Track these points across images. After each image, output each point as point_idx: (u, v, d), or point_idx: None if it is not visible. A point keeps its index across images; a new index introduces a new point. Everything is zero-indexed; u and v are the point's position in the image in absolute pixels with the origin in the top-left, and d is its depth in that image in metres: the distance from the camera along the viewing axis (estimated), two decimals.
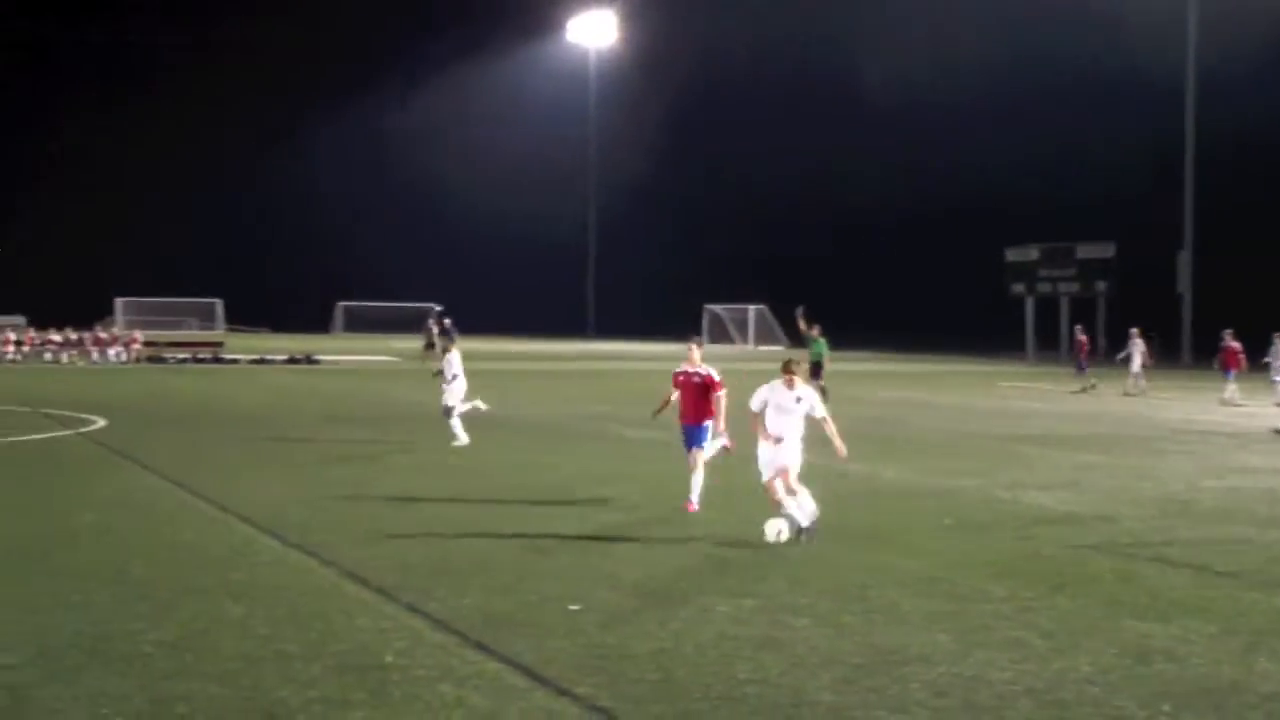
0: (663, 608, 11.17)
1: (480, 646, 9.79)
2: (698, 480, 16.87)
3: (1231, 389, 39.41)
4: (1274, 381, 37.73)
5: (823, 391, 33.99)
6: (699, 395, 17.24)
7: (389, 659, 9.39)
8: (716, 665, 9.36)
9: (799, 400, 14.89)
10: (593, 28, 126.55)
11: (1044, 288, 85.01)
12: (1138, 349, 45.31)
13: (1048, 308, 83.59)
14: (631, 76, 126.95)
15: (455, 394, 25.58)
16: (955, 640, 10.20)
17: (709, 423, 17.17)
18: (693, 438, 17.13)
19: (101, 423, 28.22)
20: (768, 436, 14.69)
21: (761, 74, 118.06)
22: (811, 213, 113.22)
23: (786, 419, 14.78)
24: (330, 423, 29.70)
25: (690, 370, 17.48)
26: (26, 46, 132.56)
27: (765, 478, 14.69)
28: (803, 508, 14.42)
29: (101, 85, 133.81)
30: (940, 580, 12.53)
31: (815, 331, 36.31)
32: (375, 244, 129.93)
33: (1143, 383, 44.53)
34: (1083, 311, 76.93)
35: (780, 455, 14.60)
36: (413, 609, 10.98)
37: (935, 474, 21.24)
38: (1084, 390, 44.54)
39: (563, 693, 8.65)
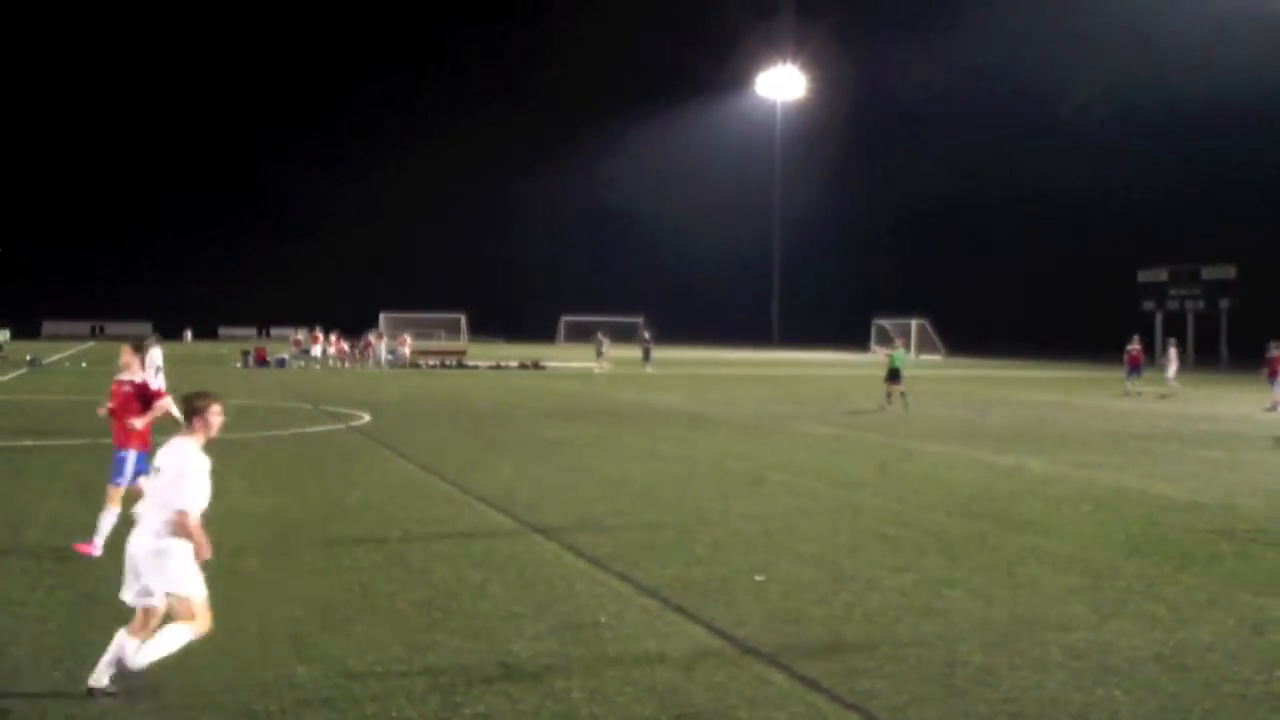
0: (836, 579, 11.12)
1: (680, 610, 9.85)
2: (108, 520, 11.46)
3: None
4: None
5: (901, 395, 33.82)
6: (127, 411, 11.82)
7: (602, 619, 9.50)
8: (881, 629, 9.30)
9: (158, 470, 7.77)
10: (778, 82, 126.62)
11: (1172, 305, 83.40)
12: (1172, 360, 45.71)
13: (1175, 322, 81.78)
14: (812, 123, 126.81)
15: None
16: (1091, 611, 9.98)
17: (134, 451, 11.73)
18: (116, 467, 11.78)
19: (367, 418, 28.96)
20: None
21: (921, 116, 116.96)
22: (968, 240, 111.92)
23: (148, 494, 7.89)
24: (553, 418, 30.05)
25: (124, 379, 11.99)
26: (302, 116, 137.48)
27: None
28: (121, 648, 7.45)
29: (369, 145, 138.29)
30: (1078, 559, 12.26)
31: (898, 345, 37.52)
32: (592, 266, 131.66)
33: (1175, 385, 44.38)
34: (1206, 327, 75.06)
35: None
36: (622, 577, 11.08)
37: (1075, 466, 20.75)
38: (1126, 394, 43.76)
39: (749, 650, 8.66)
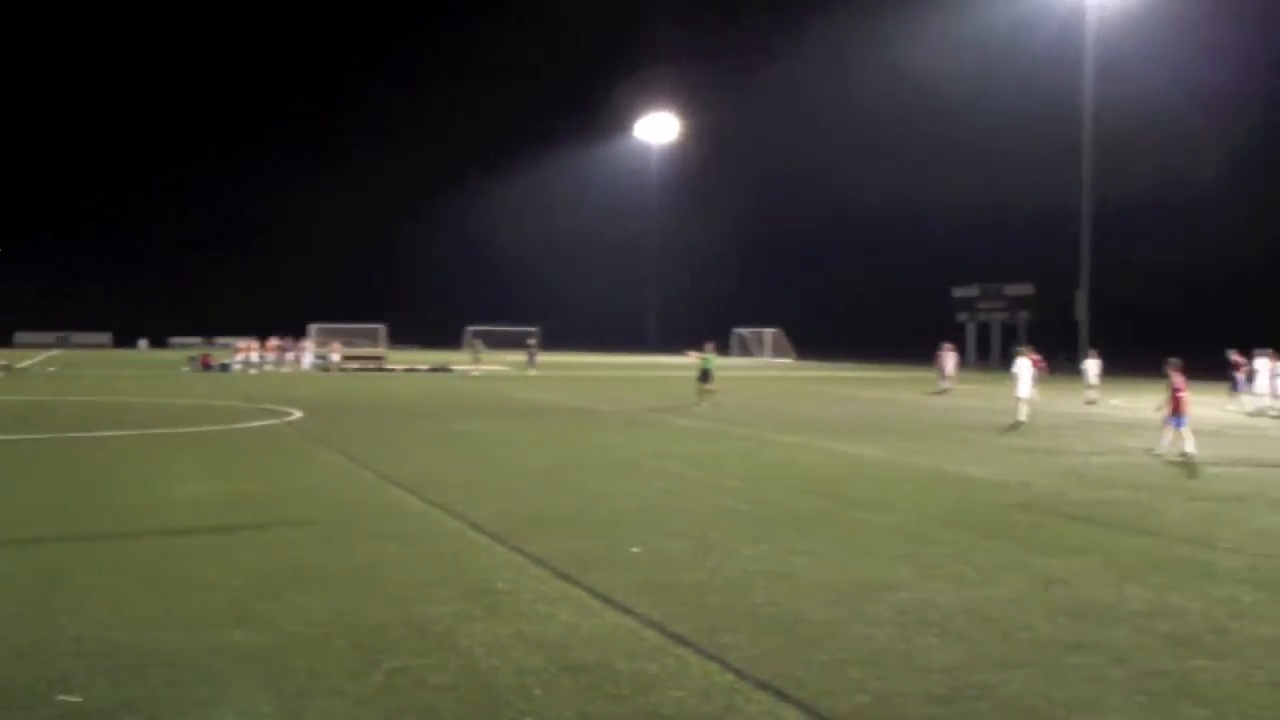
0: (700, 550, 11.16)
1: (566, 578, 9.81)
2: None
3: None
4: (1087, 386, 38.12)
5: (711, 394, 33.54)
6: None
7: (500, 586, 9.42)
8: (739, 592, 9.35)
9: None
10: (655, 127, 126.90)
11: (981, 316, 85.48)
12: (950, 360, 45.60)
13: (984, 331, 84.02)
14: (684, 164, 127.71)
15: None
16: (913, 573, 10.15)
17: None
18: None
19: (298, 414, 28.49)
20: None
21: (777, 152, 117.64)
22: (817, 261, 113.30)
23: None
24: (458, 414, 29.83)
25: None
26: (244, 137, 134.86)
27: None
28: None
29: (300, 168, 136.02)
30: (903, 529, 12.47)
31: (709, 349, 35.66)
32: (494, 284, 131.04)
33: (951, 385, 44.58)
34: (1010, 335, 77.15)
35: None
36: (517, 550, 11.00)
37: (901, 453, 21.11)
38: (942, 392, 43.70)
39: (626, 612, 8.66)
